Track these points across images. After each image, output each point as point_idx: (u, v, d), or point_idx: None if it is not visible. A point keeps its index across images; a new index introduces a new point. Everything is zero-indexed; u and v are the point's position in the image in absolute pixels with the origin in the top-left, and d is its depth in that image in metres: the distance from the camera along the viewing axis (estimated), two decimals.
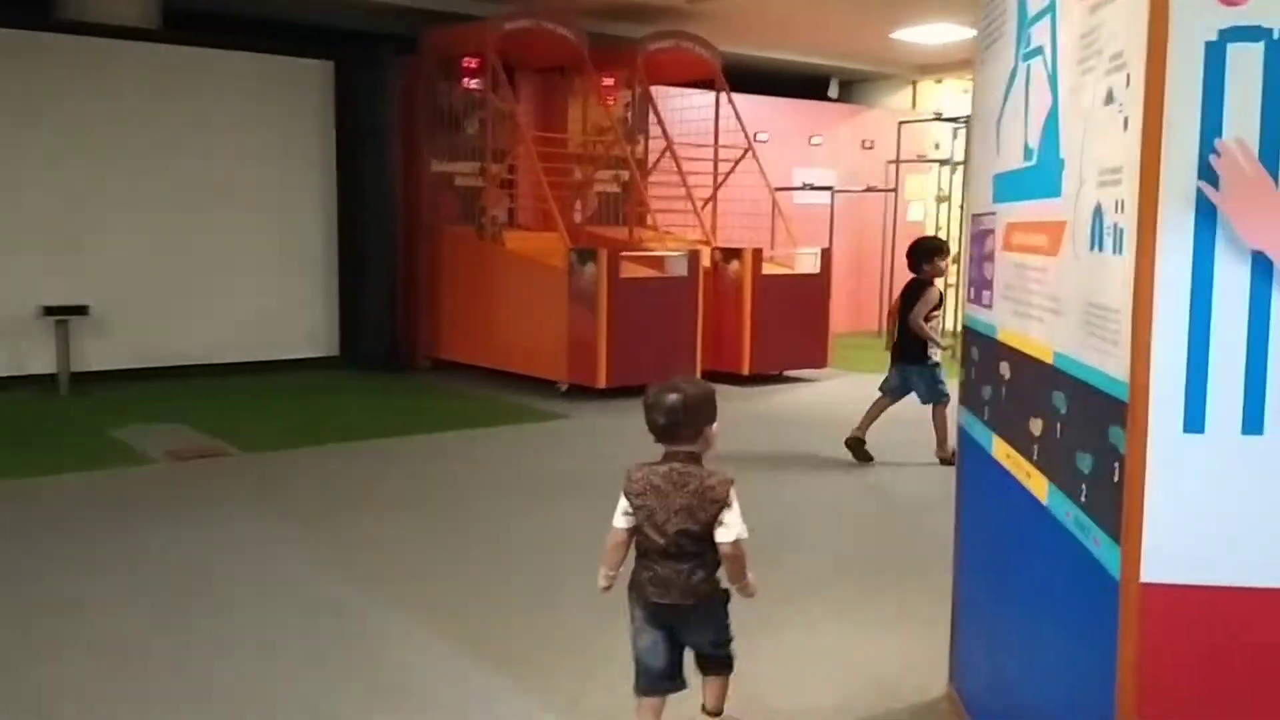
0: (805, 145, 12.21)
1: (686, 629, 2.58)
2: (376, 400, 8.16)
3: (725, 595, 2.59)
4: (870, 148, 12.59)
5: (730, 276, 8.77)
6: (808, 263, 9.31)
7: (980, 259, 2.77)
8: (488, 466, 6.08)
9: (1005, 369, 2.45)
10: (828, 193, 11.24)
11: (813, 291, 9.11)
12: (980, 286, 2.76)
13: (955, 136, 11.68)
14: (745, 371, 8.68)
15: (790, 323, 8.86)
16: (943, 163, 12.23)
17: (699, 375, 8.39)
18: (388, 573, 4.14)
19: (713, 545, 2.48)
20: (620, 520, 2.55)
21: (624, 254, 8.12)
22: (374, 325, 9.27)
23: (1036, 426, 2.17)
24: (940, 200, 12.89)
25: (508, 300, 8.61)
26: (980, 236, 2.78)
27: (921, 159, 12.41)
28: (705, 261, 8.68)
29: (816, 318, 9.07)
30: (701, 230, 9.34)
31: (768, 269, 8.86)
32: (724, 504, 2.45)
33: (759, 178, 9.65)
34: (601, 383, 7.83)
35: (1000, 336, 2.52)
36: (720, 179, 9.94)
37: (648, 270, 8.28)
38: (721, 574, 2.56)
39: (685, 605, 2.51)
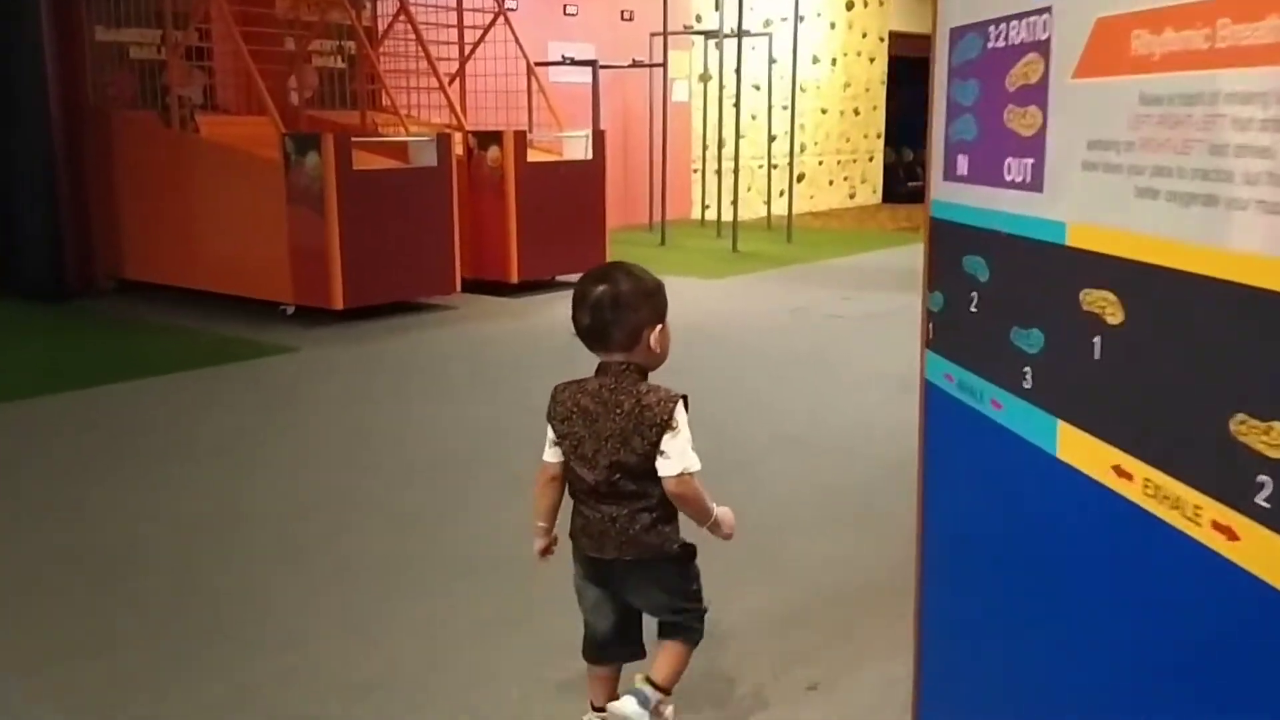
0: (559, 15, 10.81)
1: (628, 590, 2.07)
2: (34, 340, 6.27)
3: (686, 551, 2.04)
4: (630, 19, 11.33)
5: (489, 166, 7.35)
6: (577, 148, 8.01)
7: (986, 104, 1.59)
8: (185, 425, 4.52)
9: (1107, 308, 1.29)
10: (589, 69, 9.88)
11: (585, 181, 7.85)
12: (991, 153, 1.58)
13: (719, 8, 10.60)
14: (514, 279, 7.37)
15: (562, 219, 7.59)
16: (708, 35, 11.13)
17: (460, 287, 7.03)
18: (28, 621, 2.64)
19: (658, 481, 1.97)
20: (549, 453, 2.07)
21: (356, 140, 6.54)
22: (31, 241, 7.21)
23: (1259, 438, 1.03)
24: (704, 79, 11.81)
25: (208, 202, 6.86)
26: (982, 64, 1.60)
27: (687, 29, 11.26)
28: (457, 148, 7.23)
29: (591, 212, 7.85)
30: (450, 111, 7.82)
31: (532, 156, 7.51)
32: (665, 427, 1.94)
33: (512, 49, 8.20)
34: (338, 303, 6.35)
35: (1084, 243, 1.36)
36: (468, 51, 8.41)
37: (387, 161, 6.77)
38: (682, 520, 2.03)
39: (624, 561, 2.00)
